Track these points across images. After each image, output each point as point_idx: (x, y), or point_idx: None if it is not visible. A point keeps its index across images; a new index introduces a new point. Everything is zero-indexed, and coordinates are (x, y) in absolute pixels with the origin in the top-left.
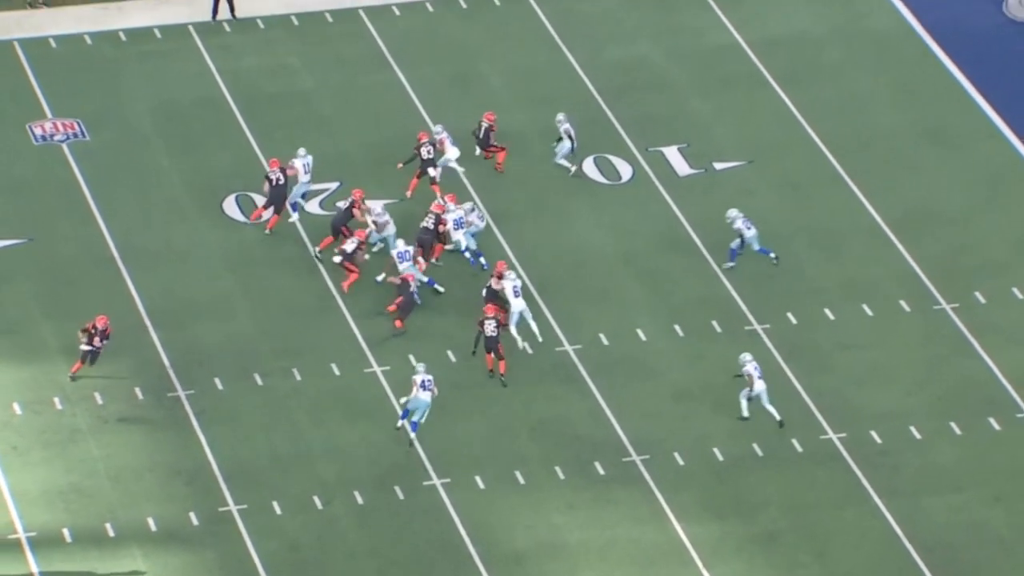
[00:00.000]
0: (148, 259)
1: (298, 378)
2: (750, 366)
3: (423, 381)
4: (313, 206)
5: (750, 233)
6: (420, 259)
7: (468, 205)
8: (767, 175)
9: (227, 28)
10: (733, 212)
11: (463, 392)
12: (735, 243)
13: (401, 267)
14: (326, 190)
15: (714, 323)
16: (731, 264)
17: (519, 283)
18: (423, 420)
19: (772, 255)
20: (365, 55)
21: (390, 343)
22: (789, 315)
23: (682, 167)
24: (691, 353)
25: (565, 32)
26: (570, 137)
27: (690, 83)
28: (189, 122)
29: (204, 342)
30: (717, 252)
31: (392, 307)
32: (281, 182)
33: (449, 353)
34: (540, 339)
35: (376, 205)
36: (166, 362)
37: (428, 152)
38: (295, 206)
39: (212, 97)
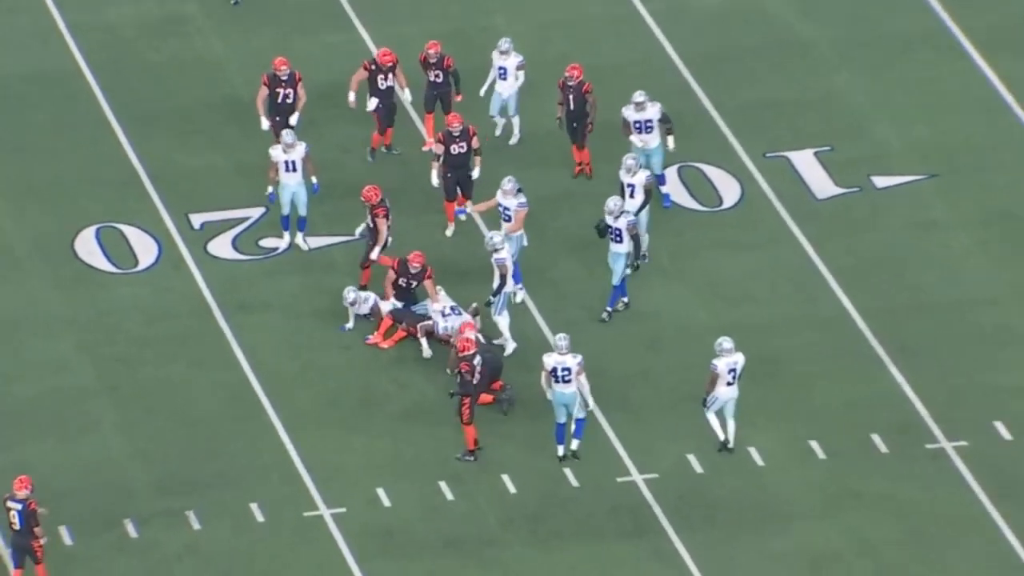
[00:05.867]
0: None
1: (196, 527)
2: (723, 361)
3: (555, 370)
4: (221, 248)
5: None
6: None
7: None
8: (960, 197)
9: None
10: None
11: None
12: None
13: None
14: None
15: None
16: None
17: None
18: (581, 421)
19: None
20: (309, 4)
21: (347, 469)
22: (998, 426)
23: (822, 184)
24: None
25: None
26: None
27: (834, 49)
28: (24, 111)
29: (44, 469)
30: (880, 318)
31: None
32: (289, 101)
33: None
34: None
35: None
36: None
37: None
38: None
39: (62, 69)
